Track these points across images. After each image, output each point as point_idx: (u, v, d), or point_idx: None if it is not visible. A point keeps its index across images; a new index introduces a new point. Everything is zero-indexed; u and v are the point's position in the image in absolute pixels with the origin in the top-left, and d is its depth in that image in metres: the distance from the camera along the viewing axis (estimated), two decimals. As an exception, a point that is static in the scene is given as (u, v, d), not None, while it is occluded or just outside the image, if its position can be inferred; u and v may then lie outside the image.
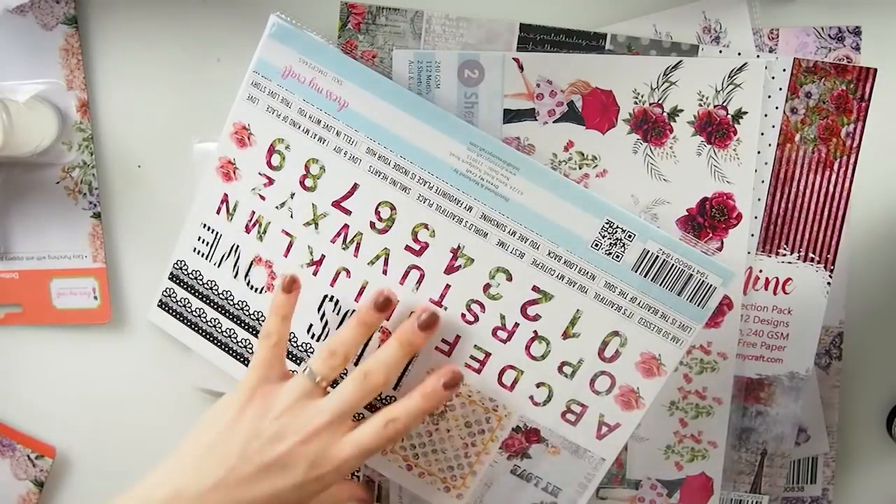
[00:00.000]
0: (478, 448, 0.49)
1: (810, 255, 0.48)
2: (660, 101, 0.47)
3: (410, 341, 0.45)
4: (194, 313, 0.51)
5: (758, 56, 0.47)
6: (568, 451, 0.48)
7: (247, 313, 0.50)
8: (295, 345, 0.50)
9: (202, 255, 0.50)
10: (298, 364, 0.50)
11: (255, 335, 0.50)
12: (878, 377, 0.52)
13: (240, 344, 0.51)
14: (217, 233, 0.50)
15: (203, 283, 0.50)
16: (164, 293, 0.51)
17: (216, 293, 0.50)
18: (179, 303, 0.51)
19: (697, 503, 0.51)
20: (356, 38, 0.48)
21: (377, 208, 0.47)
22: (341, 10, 0.48)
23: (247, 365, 0.50)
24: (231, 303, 0.50)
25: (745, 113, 0.47)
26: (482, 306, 0.47)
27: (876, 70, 0.47)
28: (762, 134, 0.47)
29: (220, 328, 0.51)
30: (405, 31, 0.48)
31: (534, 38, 0.47)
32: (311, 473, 0.42)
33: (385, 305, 0.45)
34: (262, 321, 0.50)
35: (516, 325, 0.47)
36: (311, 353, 0.50)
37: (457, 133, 0.46)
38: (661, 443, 0.51)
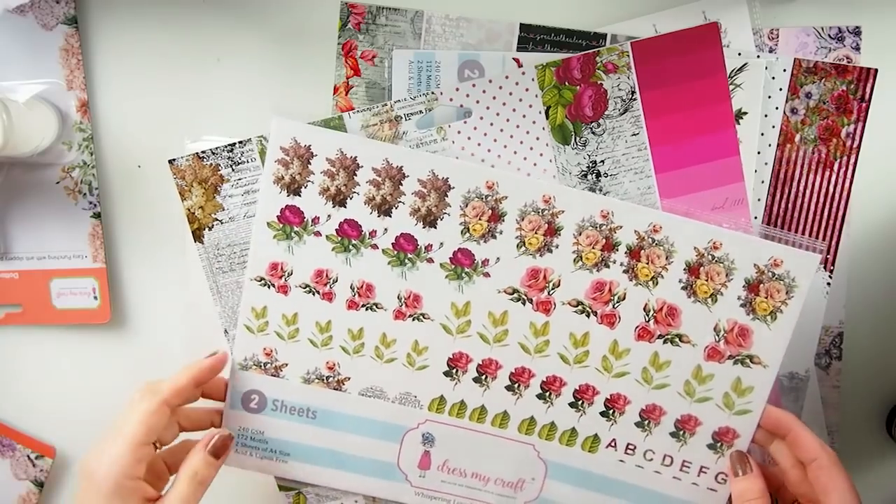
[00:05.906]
0: None
1: (810, 255, 0.48)
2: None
3: None
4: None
5: (758, 56, 0.47)
6: None
7: None
8: None
9: None
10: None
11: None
12: (878, 377, 0.52)
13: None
14: None
15: None
16: None
17: None
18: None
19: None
20: (356, 37, 0.48)
21: None
22: (341, 10, 0.48)
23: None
24: None
25: (746, 113, 0.47)
26: None
27: (876, 70, 0.47)
28: (762, 134, 0.47)
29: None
30: (405, 31, 0.48)
31: (534, 38, 0.47)
32: None
33: None
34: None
35: None
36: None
37: None
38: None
